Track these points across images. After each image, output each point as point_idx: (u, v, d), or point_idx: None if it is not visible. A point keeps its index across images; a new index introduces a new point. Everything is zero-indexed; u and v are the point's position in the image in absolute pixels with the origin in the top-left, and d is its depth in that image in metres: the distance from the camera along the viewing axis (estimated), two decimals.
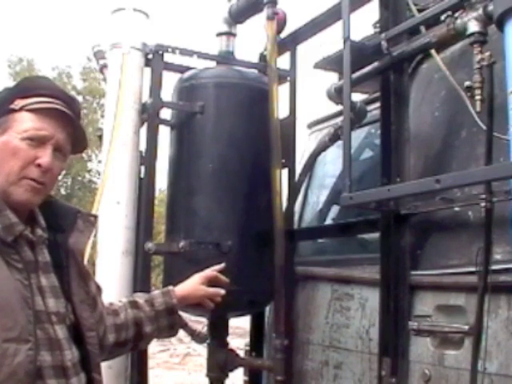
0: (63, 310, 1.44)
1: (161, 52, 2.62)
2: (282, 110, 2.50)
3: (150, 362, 2.70)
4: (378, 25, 2.34)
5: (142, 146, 2.66)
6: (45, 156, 1.40)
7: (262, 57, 2.87)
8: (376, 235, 2.20)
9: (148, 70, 2.66)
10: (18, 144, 1.39)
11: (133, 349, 1.92)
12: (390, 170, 2.13)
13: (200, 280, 2.08)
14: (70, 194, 25.19)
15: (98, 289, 1.69)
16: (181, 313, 1.97)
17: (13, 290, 1.33)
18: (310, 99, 5.68)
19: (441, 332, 1.94)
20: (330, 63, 2.59)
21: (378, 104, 2.28)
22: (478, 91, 1.73)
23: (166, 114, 2.70)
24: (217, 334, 2.58)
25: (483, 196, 1.76)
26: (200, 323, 2.61)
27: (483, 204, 1.76)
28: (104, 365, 1.61)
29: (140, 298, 1.88)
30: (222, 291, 2.11)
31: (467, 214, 1.93)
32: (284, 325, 2.40)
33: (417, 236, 2.10)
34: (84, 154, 22.69)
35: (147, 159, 2.61)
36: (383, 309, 2.09)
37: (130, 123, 2.59)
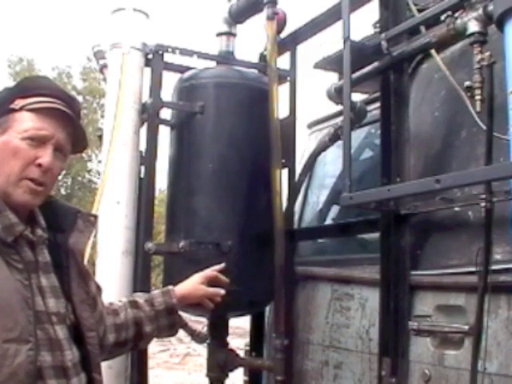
0: (63, 310, 1.44)
1: (161, 52, 2.62)
2: (282, 110, 2.51)
3: (150, 362, 2.69)
4: (378, 25, 2.34)
5: (142, 146, 2.66)
6: (45, 156, 1.40)
7: (262, 57, 2.87)
8: (376, 235, 2.20)
9: (148, 70, 2.65)
10: (19, 144, 1.39)
11: (133, 348, 1.92)
12: (390, 170, 2.12)
13: (200, 280, 2.08)
14: (70, 194, 25.19)
15: (98, 289, 1.69)
16: (181, 313, 1.97)
17: (13, 290, 1.33)
18: (310, 99, 5.68)
19: (441, 332, 1.94)
20: (330, 63, 2.59)
21: (378, 104, 2.28)
22: (478, 91, 1.73)
23: (166, 114, 2.70)
24: (217, 334, 2.58)
25: (483, 196, 1.76)
26: (200, 323, 2.61)
27: (483, 204, 1.76)
28: (104, 365, 1.61)
29: (140, 297, 1.88)
30: (222, 291, 2.12)
31: (467, 213, 1.93)
32: (284, 325, 2.40)
33: (417, 236, 2.10)
34: (84, 154, 22.70)
35: (147, 159, 2.61)
36: (383, 309, 2.09)
37: (130, 123, 2.59)
